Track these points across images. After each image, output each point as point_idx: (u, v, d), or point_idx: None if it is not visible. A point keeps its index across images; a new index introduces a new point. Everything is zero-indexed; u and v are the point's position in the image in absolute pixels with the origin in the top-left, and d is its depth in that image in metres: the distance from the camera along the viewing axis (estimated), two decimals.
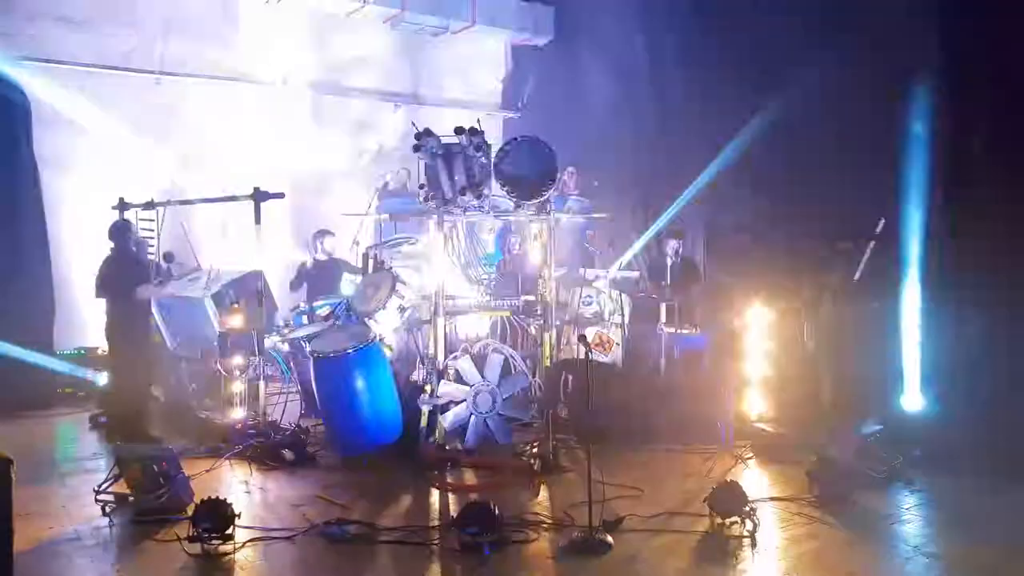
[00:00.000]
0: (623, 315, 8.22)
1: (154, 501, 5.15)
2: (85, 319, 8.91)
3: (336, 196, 11.41)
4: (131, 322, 7.14)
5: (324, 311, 7.97)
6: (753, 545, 4.72)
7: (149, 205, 8.42)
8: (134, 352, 7.19)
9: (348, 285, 8.88)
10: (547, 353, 6.73)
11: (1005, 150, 6.42)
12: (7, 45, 9.15)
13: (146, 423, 7.16)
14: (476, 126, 6.55)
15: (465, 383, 6.56)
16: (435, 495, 5.82)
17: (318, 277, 9.18)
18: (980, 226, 6.43)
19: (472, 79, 12.85)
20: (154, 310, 8.20)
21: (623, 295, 8.31)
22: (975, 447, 6.31)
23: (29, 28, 9.38)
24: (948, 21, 6.85)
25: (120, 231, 7.40)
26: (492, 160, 6.61)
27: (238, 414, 7.05)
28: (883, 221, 7.59)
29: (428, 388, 6.60)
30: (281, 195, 7.35)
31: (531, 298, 7.05)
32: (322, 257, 9.29)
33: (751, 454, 6.67)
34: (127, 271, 7.21)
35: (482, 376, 6.55)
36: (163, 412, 8.02)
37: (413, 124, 6.80)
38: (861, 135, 7.83)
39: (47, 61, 9.45)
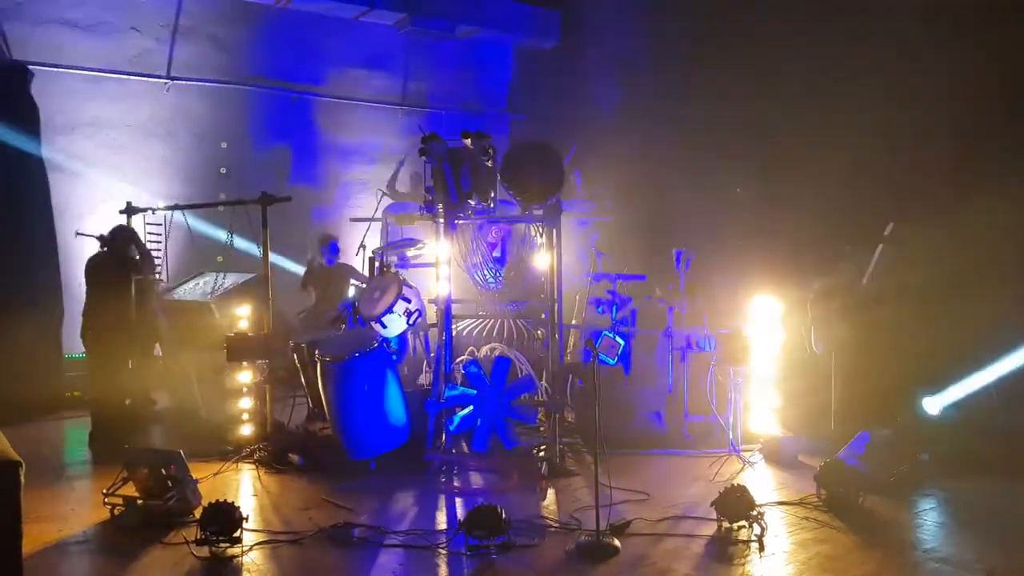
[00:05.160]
0: (630, 318, 8.21)
1: (162, 504, 5.17)
2: None
3: (343, 199, 11.47)
4: (112, 324, 7.19)
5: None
6: (761, 549, 4.71)
7: (156, 209, 8.47)
8: (114, 355, 7.23)
9: (355, 290, 8.90)
10: (553, 357, 6.73)
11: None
12: (16, 49, 9.22)
13: (126, 427, 7.21)
14: (482, 130, 6.57)
15: (472, 387, 6.56)
16: (442, 498, 5.83)
17: (325, 281, 9.18)
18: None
19: (478, 83, 12.88)
20: (160, 314, 8.23)
21: (630, 298, 8.30)
22: (984, 450, 6.31)
23: (38, 33, 9.43)
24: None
25: (127, 236, 7.48)
26: (499, 164, 6.62)
27: (245, 418, 7.05)
28: (892, 224, 7.58)
29: (435, 392, 6.61)
30: (288, 199, 7.37)
31: (538, 302, 7.05)
32: (329, 262, 9.29)
33: (758, 458, 6.66)
34: (121, 273, 7.28)
35: (489, 380, 6.55)
36: (165, 417, 8.07)
37: (420, 127, 6.82)
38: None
39: (56, 66, 9.50)
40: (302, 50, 11.24)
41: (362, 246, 10.13)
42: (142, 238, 8.02)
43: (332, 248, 9.30)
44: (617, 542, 4.73)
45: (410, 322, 6.96)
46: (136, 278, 7.40)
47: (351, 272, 9.35)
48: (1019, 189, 6.48)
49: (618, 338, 8.01)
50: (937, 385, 6.71)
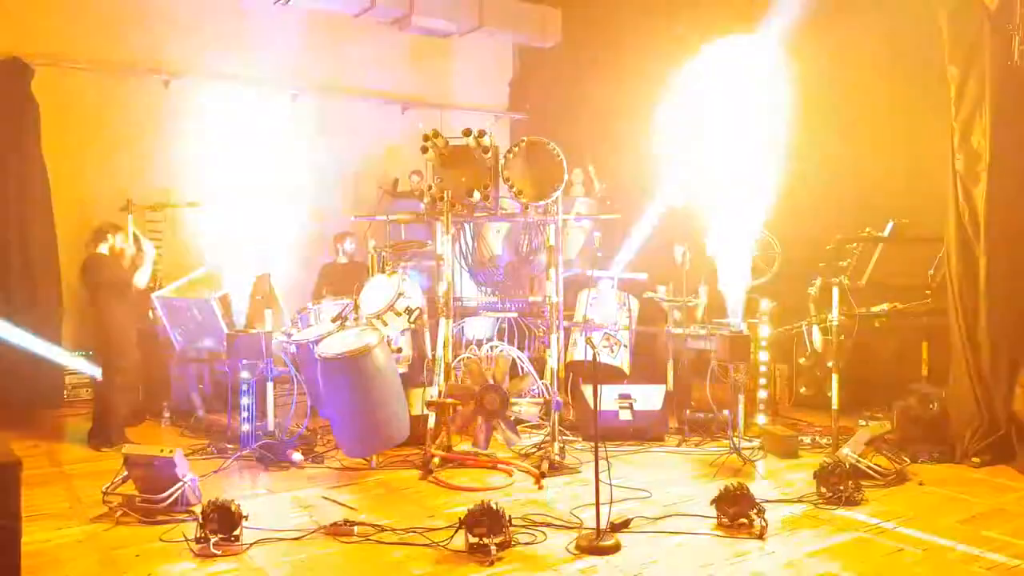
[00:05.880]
0: (630, 317, 8.21)
1: (162, 502, 5.17)
2: None
3: (345, 199, 11.45)
4: (108, 322, 7.19)
5: (332, 313, 7.98)
6: (761, 547, 4.71)
7: (156, 207, 8.46)
8: (113, 352, 7.24)
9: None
10: (554, 354, 6.73)
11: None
12: (18, 47, 9.20)
13: (126, 425, 7.23)
14: (484, 128, 6.57)
15: (472, 384, 6.55)
16: (442, 496, 5.83)
17: (339, 279, 9.21)
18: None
19: (480, 81, 12.87)
20: (160, 312, 8.24)
21: (630, 297, 8.30)
22: (984, 447, 6.32)
23: (39, 30, 9.42)
24: None
25: (94, 236, 7.44)
26: (500, 162, 6.62)
27: (245, 415, 7.05)
28: (892, 223, 7.59)
29: (435, 390, 6.60)
30: (288, 197, 7.36)
31: (538, 299, 7.05)
32: (343, 260, 9.34)
33: (759, 455, 6.66)
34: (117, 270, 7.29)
35: (489, 377, 6.54)
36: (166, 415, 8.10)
37: (421, 126, 6.83)
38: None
39: (57, 63, 9.49)
40: (303, 49, 11.21)
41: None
42: (132, 235, 7.98)
43: (346, 246, 9.38)
44: (618, 540, 4.73)
45: (410, 320, 6.96)
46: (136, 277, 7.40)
47: (363, 270, 9.37)
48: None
49: (619, 336, 8.01)
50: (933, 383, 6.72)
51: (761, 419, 7.39)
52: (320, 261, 9.75)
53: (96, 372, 7.34)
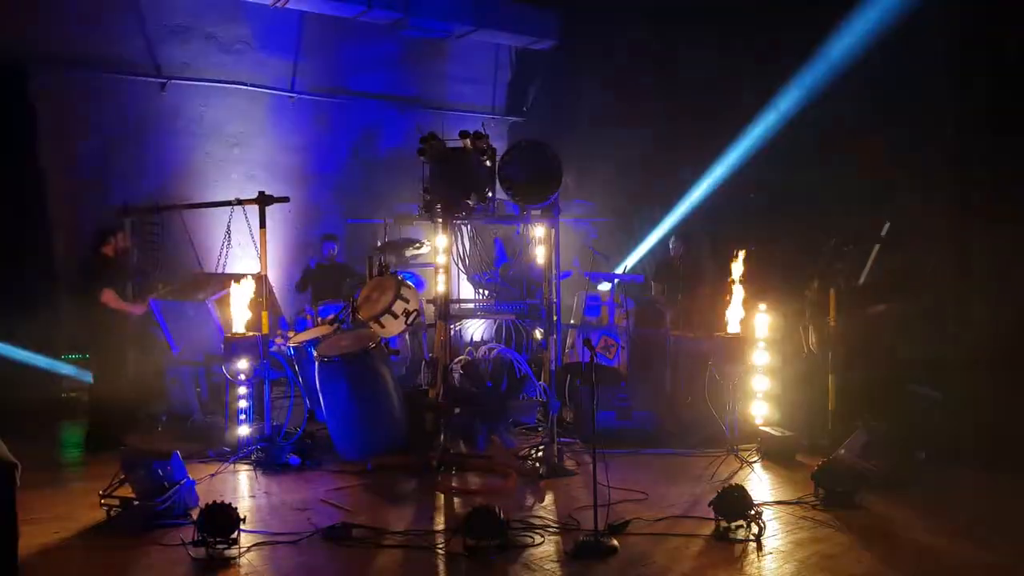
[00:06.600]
0: (628, 319, 8.22)
1: (159, 505, 5.16)
2: None
3: (342, 200, 11.44)
4: (104, 325, 7.18)
5: (329, 315, 7.99)
6: (759, 549, 4.71)
7: (153, 209, 8.44)
8: (108, 356, 7.23)
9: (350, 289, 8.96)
10: (551, 356, 6.72)
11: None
12: (15, 48, 9.18)
13: (123, 428, 7.22)
14: (481, 130, 6.57)
15: (470, 386, 6.55)
16: (440, 499, 5.82)
17: (322, 280, 9.28)
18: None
19: (477, 83, 12.86)
20: (157, 315, 8.21)
21: (628, 298, 8.31)
22: (981, 448, 6.32)
23: (36, 31, 9.40)
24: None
25: (96, 236, 7.40)
26: (497, 164, 6.62)
27: (243, 418, 7.04)
28: (888, 224, 7.59)
29: (433, 391, 6.60)
30: (286, 199, 7.36)
31: (535, 301, 7.04)
32: (324, 261, 9.42)
33: (756, 457, 6.66)
34: (93, 274, 7.27)
35: (487, 380, 6.54)
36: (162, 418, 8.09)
37: (418, 128, 6.83)
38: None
39: (55, 66, 9.47)
40: (300, 51, 11.21)
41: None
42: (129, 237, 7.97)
43: (327, 247, 9.44)
44: (615, 542, 4.73)
45: (408, 322, 6.95)
46: (132, 278, 7.40)
47: (347, 271, 9.43)
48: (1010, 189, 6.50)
49: (616, 337, 8.01)
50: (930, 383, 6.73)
51: (758, 421, 7.38)
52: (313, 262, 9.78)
53: (91, 375, 7.34)
